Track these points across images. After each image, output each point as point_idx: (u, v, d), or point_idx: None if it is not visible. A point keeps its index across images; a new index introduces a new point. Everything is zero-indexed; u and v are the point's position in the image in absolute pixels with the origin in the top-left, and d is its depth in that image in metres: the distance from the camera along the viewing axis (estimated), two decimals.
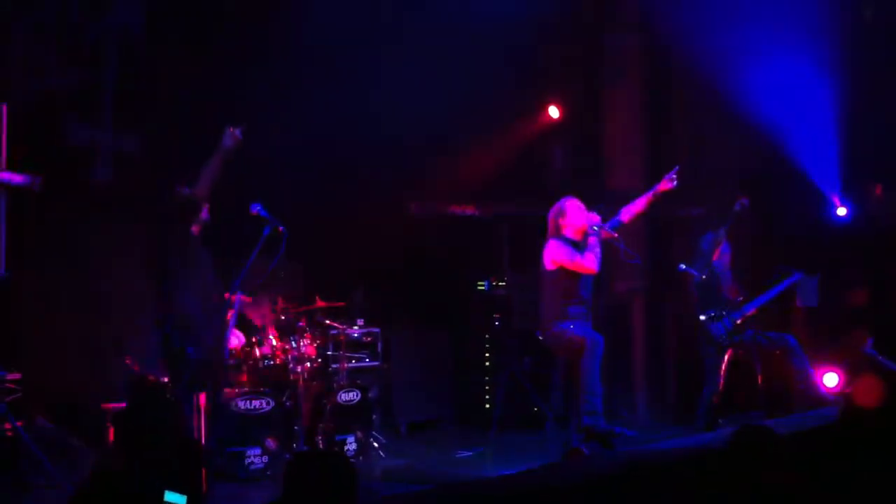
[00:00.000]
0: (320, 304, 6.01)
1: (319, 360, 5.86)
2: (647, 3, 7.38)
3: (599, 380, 5.12)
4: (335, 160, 6.68)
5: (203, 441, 4.70)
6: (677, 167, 5.59)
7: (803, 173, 7.32)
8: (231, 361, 5.45)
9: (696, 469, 3.27)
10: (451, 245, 7.51)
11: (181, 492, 3.35)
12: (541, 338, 5.47)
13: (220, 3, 6.27)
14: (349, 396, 5.82)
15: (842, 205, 7.39)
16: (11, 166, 4.88)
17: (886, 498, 2.85)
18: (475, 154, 7.41)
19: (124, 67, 5.92)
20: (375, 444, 5.91)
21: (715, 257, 6.17)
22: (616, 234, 5.49)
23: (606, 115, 7.79)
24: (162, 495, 3.25)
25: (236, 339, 5.71)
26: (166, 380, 4.89)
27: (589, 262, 5.27)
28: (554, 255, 5.34)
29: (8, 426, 4.67)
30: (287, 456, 5.13)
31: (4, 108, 4.82)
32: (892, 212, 7.35)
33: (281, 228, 5.10)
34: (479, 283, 7.43)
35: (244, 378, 5.55)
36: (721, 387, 5.93)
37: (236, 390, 5.36)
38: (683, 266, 6.14)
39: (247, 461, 5.14)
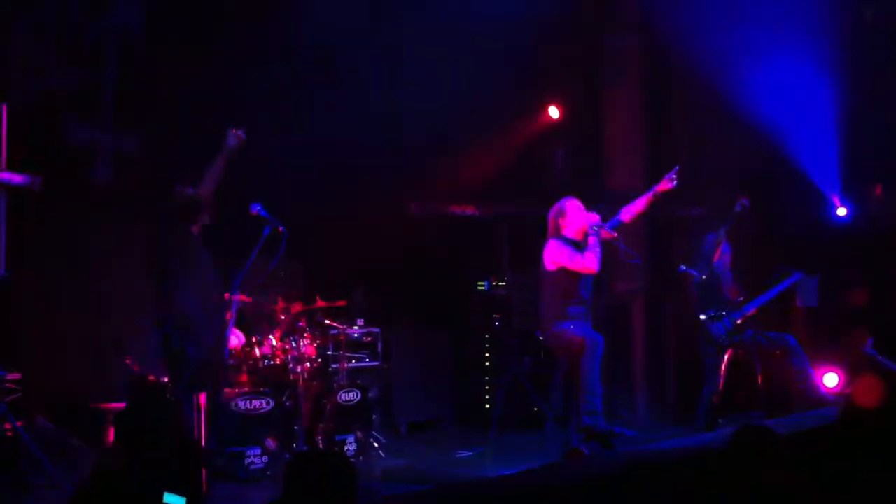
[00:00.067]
0: (320, 303, 6.01)
1: (319, 360, 5.86)
2: (647, 3, 7.37)
3: (599, 380, 5.11)
4: (335, 160, 6.67)
5: (203, 441, 4.70)
6: (677, 167, 5.59)
7: (803, 173, 7.32)
8: (231, 361, 5.45)
9: (696, 469, 3.27)
10: (451, 245, 7.50)
11: (181, 492, 3.35)
12: (541, 338, 5.47)
13: (220, 3, 6.27)
14: (349, 396, 5.82)
15: (842, 205, 7.39)
16: (11, 166, 4.88)
17: (886, 498, 2.85)
18: (475, 154, 7.41)
19: (124, 67, 5.92)
20: (375, 444, 5.91)
21: (715, 258, 6.17)
22: (616, 234, 5.49)
23: (606, 115, 7.78)
24: (162, 495, 3.25)
25: (236, 339, 5.71)
26: (166, 380, 4.90)
27: (589, 262, 5.26)
28: (554, 256, 5.34)
29: (8, 426, 4.66)
30: (287, 456, 5.13)
31: (4, 108, 4.82)
32: (892, 212, 7.35)
33: (281, 228, 5.11)
34: (480, 283, 7.43)
35: (244, 378, 5.55)
36: (721, 387, 5.93)
37: (236, 390, 5.36)
38: (684, 267, 6.14)
39: (247, 461, 5.13)
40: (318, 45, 6.34)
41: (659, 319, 7.66)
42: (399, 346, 7.08)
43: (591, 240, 5.32)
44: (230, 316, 5.64)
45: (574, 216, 5.42)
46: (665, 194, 5.63)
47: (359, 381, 6.05)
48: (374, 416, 6.09)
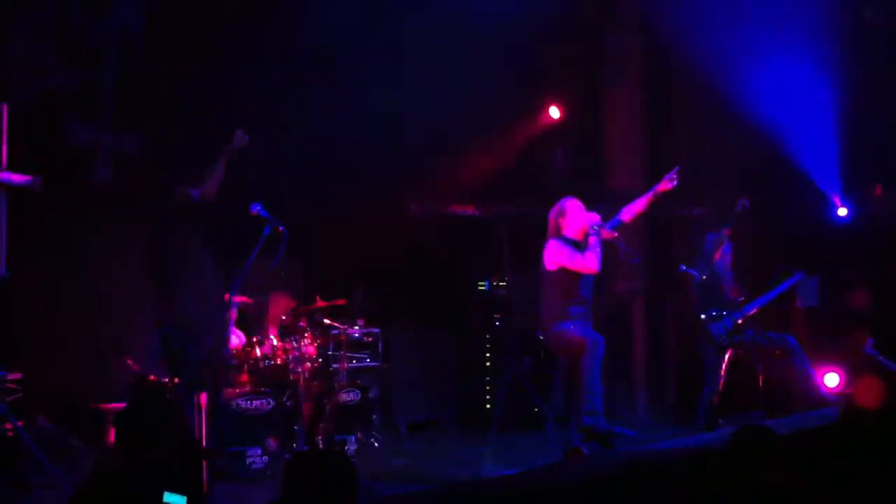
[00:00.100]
0: (321, 303, 6.01)
1: (320, 360, 5.86)
2: (647, 3, 7.37)
3: (600, 380, 5.11)
4: (335, 160, 6.68)
5: (204, 441, 4.70)
6: (677, 167, 5.59)
7: (804, 173, 7.32)
8: (232, 361, 5.46)
9: (696, 469, 3.27)
10: (452, 245, 7.50)
11: (182, 491, 3.35)
12: (541, 338, 5.47)
13: (220, 3, 6.27)
14: (349, 396, 5.82)
15: (842, 205, 7.39)
16: (12, 166, 4.88)
17: (887, 498, 2.85)
18: (475, 154, 7.41)
19: (124, 67, 5.91)
20: (376, 444, 5.91)
21: (717, 257, 6.17)
22: (616, 234, 5.49)
23: (606, 115, 7.78)
24: (162, 495, 3.25)
25: (237, 339, 5.72)
26: (167, 380, 4.90)
27: (590, 262, 5.26)
28: (554, 256, 5.34)
29: (9, 426, 4.66)
30: (287, 455, 5.13)
31: (5, 108, 4.82)
32: (893, 212, 7.35)
33: (281, 228, 5.11)
34: (480, 283, 7.43)
35: (245, 378, 5.55)
36: (721, 387, 5.93)
37: (237, 390, 5.35)
38: (684, 266, 6.14)
39: (247, 461, 5.13)
40: (318, 45, 6.34)
41: (659, 319, 7.66)
42: (399, 346, 7.07)
43: (592, 240, 5.31)
44: (231, 316, 5.65)
45: (574, 216, 5.42)
46: (665, 194, 5.63)
47: (359, 381, 6.05)
48: (374, 416, 6.09)
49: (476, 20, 6.48)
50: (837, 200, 7.41)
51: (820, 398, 5.85)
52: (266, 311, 5.99)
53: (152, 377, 5.00)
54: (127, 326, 5.57)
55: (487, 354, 7.37)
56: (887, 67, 7.01)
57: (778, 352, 6.02)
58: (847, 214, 7.38)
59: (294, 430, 5.51)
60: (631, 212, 5.62)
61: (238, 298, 5.70)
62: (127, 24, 5.88)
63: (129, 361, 5.21)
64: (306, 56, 6.38)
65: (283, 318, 5.89)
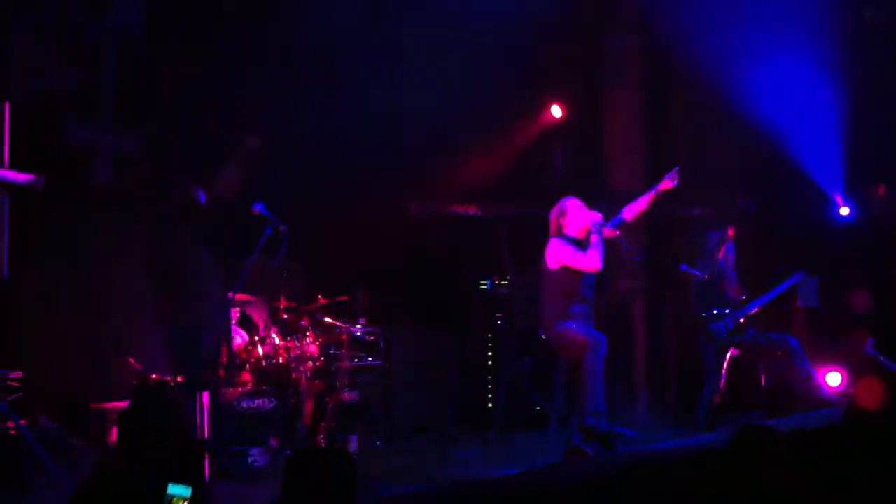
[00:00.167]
0: (323, 302, 6.02)
1: (322, 359, 5.86)
2: (647, 3, 7.37)
3: (602, 380, 5.11)
4: (335, 160, 6.68)
5: (206, 440, 4.71)
6: (678, 167, 5.59)
7: (805, 173, 7.32)
8: (234, 360, 5.46)
9: (697, 469, 3.27)
10: (452, 245, 7.50)
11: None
12: (543, 337, 5.47)
13: (220, 3, 6.27)
14: (351, 396, 5.82)
15: (844, 205, 7.39)
16: (12, 166, 4.88)
17: (887, 498, 2.85)
18: (475, 154, 7.40)
19: (124, 67, 5.91)
20: (377, 444, 5.91)
21: (719, 257, 6.18)
22: (618, 232, 5.50)
23: (606, 115, 7.78)
24: (162, 495, 3.26)
25: (239, 338, 5.72)
26: (169, 379, 4.90)
27: (592, 260, 5.26)
28: (556, 254, 5.34)
29: (10, 424, 4.67)
30: (289, 454, 5.12)
31: (7, 107, 4.82)
32: (895, 211, 7.35)
33: (282, 228, 5.12)
34: (482, 282, 7.43)
35: (246, 377, 5.56)
36: (722, 386, 5.93)
37: (239, 389, 5.36)
38: (685, 266, 6.14)
39: (249, 460, 5.13)
40: (318, 45, 6.34)
41: (660, 319, 7.66)
42: (400, 346, 7.07)
43: (594, 238, 5.31)
44: (233, 315, 5.66)
45: (575, 215, 5.42)
46: (666, 193, 5.63)
47: (360, 381, 6.05)
48: (375, 416, 6.08)
49: (476, 20, 6.47)
50: (839, 200, 7.41)
51: (821, 398, 5.85)
52: (264, 310, 5.99)
53: (154, 376, 5.00)
54: (127, 326, 5.57)
55: (489, 354, 7.37)
56: (888, 67, 7.01)
57: (780, 352, 6.02)
58: (849, 214, 7.37)
59: (296, 429, 5.51)
60: (633, 210, 5.62)
61: (240, 297, 5.71)
62: (127, 24, 5.88)
63: (131, 361, 5.22)
64: (306, 56, 6.38)
65: (285, 317, 5.89)
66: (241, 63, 6.22)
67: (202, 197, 5.00)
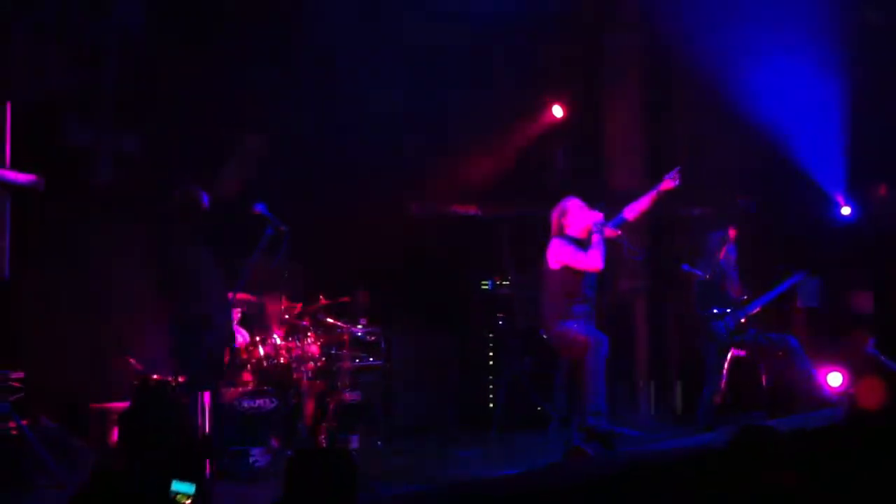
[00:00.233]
0: (324, 302, 6.02)
1: (323, 359, 5.86)
2: (647, 2, 7.36)
3: (604, 380, 5.11)
4: (335, 160, 6.68)
5: (207, 440, 4.71)
6: (679, 167, 5.59)
7: (807, 173, 7.32)
8: (235, 360, 5.46)
9: (697, 469, 3.26)
10: (453, 245, 7.50)
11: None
12: (545, 336, 5.47)
13: (220, 3, 6.27)
14: (352, 396, 5.82)
15: (846, 204, 7.39)
16: (12, 166, 4.89)
17: (887, 499, 2.85)
18: (476, 154, 7.41)
19: (124, 68, 5.92)
20: (378, 444, 5.91)
21: (720, 256, 6.18)
22: (620, 232, 5.50)
23: (606, 115, 7.77)
24: (163, 495, 3.26)
25: (241, 338, 5.72)
26: (170, 379, 4.90)
27: (593, 260, 5.26)
28: (558, 254, 5.33)
29: (12, 424, 4.67)
30: (290, 454, 5.13)
31: (8, 106, 4.83)
32: None
33: (283, 228, 5.12)
34: (483, 282, 7.43)
35: (248, 377, 5.56)
36: (723, 386, 5.92)
37: (240, 389, 5.36)
38: (687, 266, 6.14)
39: (250, 460, 5.13)
40: (318, 45, 6.34)
41: (661, 319, 7.66)
42: (401, 346, 7.08)
43: (595, 238, 5.31)
44: (234, 315, 5.66)
45: (576, 215, 5.42)
46: (668, 193, 5.63)
47: (361, 381, 6.05)
48: (375, 416, 6.08)
49: (476, 20, 6.47)
50: (840, 200, 7.40)
51: (822, 398, 5.85)
52: (265, 310, 5.99)
53: (155, 377, 5.00)
54: (128, 326, 5.58)
55: (489, 354, 7.37)
56: (889, 67, 7.00)
57: (780, 352, 6.01)
58: (850, 214, 7.37)
59: (297, 429, 5.51)
60: (634, 210, 5.61)
61: (241, 297, 5.71)
62: (127, 24, 5.89)
63: (132, 361, 5.22)
64: (306, 56, 6.38)
65: (286, 317, 5.89)
66: (241, 63, 6.22)
67: (205, 199, 5.00)
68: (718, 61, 6.75)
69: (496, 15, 6.45)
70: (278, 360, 5.62)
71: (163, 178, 5.77)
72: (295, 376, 5.62)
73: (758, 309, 6.10)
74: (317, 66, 6.46)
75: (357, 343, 6.33)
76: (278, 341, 5.68)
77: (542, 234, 5.51)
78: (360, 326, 6.47)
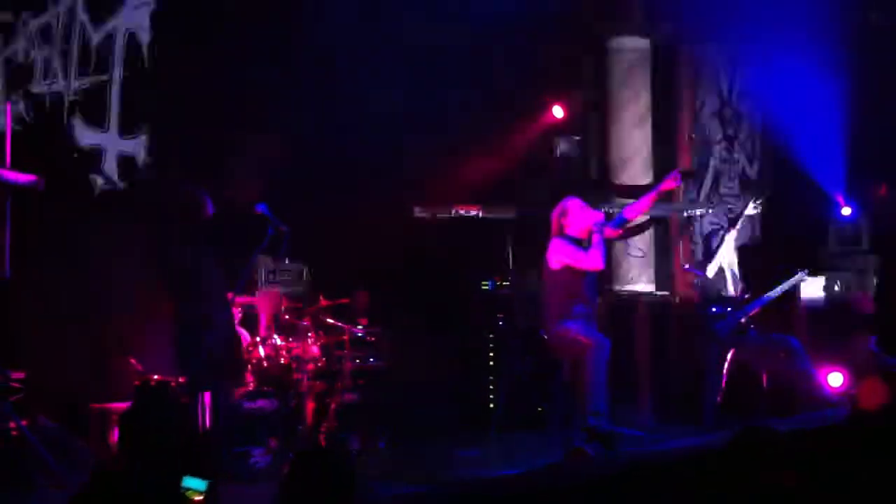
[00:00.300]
0: (324, 303, 6.02)
1: (323, 359, 5.86)
2: (648, 2, 7.36)
3: (605, 380, 5.10)
4: (335, 160, 6.68)
5: (208, 441, 4.71)
6: (680, 167, 5.59)
7: (808, 173, 7.33)
8: (243, 359, 5.47)
9: (697, 469, 3.26)
10: (453, 245, 7.50)
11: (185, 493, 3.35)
12: (545, 337, 5.47)
13: (222, 4, 6.28)
14: (352, 396, 5.82)
15: (846, 204, 7.40)
16: (14, 167, 4.89)
17: (887, 499, 2.84)
18: (476, 154, 7.40)
19: (127, 68, 5.92)
20: (379, 444, 5.91)
21: (722, 256, 6.18)
22: (621, 231, 5.50)
23: (607, 115, 7.77)
24: (163, 495, 3.26)
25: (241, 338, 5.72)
26: (171, 379, 4.91)
27: (594, 259, 5.26)
28: (558, 254, 5.34)
29: (13, 425, 4.68)
30: (290, 455, 5.13)
31: (8, 106, 4.83)
32: None
33: (284, 228, 5.13)
34: (484, 282, 7.43)
35: (248, 378, 5.56)
36: (724, 386, 5.93)
37: (240, 390, 5.36)
38: (688, 266, 6.15)
39: (251, 461, 5.13)
40: (318, 45, 6.34)
41: (663, 319, 7.65)
42: (401, 347, 7.07)
43: (596, 238, 5.31)
44: (235, 315, 5.66)
45: (577, 215, 5.42)
46: (669, 193, 5.63)
47: (362, 381, 6.05)
48: (375, 416, 6.08)
49: (476, 20, 6.47)
50: (841, 200, 7.41)
51: (823, 399, 5.85)
52: (268, 310, 5.99)
53: (156, 377, 5.01)
54: (128, 326, 5.58)
55: (490, 354, 7.36)
56: (890, 68, 7.01)
57: (781, 353, 6.02)
58: (851, 214, 7.38)
59: (297, 429, 5.51)
60: (635, 210, 5.61)
61: (241, 298, 5.72)
62: (130, 25, 5.89)
63: (132, 361, 5.22)
64: (306, 56, 6.38)
65: (285, 316, 5.89)
66: (241, 63, 6.22)
67: (210, 206, 5.01)
68: (720, 61, 6.75)
69: (496, 15, 6.45)
70: (278, 361, 5.62)
71: (163, 178, 5.78)
72: (295, 377, 5.62)
73: (758, 309, 6.10)
74: (317, 66, 6.46)
75: (357, 343, 6.33)
76: (278, 342, 5.68)
77: (543, 235, 5.51)
78: (360, 327, 6.47)
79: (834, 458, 3.06)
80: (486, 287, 7.41)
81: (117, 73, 5.88)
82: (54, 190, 5.06)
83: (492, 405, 7.14)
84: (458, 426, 6.94)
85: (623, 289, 7.48)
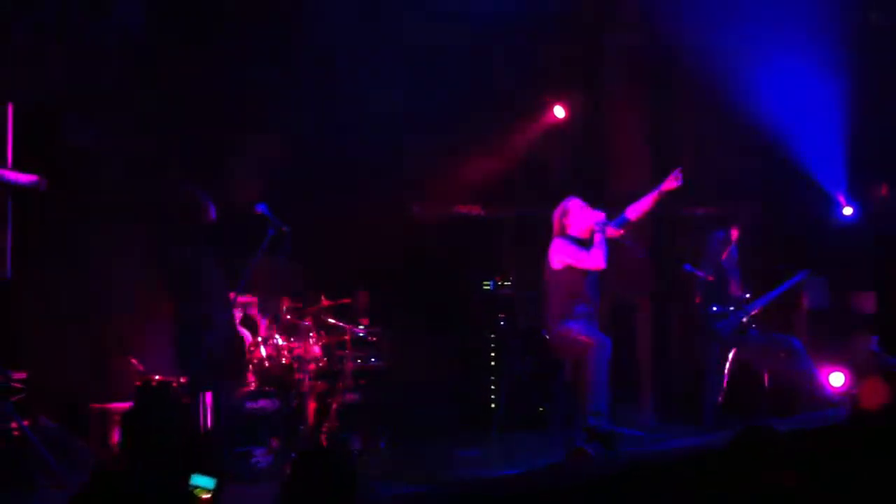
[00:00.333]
0: (326, 303, 6.02)
1: (325, 359, 5.86)
2: (647, 2, 7.35)
3: (606, 380, 5.10)
4: (335, 160, 6.68)
5: (210, 441, 4.71)
6: (680, 167, 5.58)
7: (808, 173, 7.31)
8: (245, 359, 5.47)
9: (698, 469, 3.26)
10: (454, 245, 7.50)
11: (185, 493, 3.36)
12: (547, 336, 5.47)
13: (220, 3, 6.27)
14: (353, 396, 5.82)
15: (848, 204, 7.39)
16: (14, 167, 4.89)
17: (887, 499, 2.84)
18: (476, 154, 7.40)
19: (124, 67, 5.92)
20: (380, 444, 5.91)
21: (723, 256, 6.17)
22: (622, 231, 5.49)
23: (607, 115, 7.77)
24: (164, 496, 3.26)
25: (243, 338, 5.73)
26: (172, 380, 4.91)
27: (595, 259, 5.26)
28: (560, 254, 5.33)
29: (14, 425, 4.68)
30: (293, 455, 5.13)
31: (10, 107, 4.83)
32: None
33: (285, 228, 5.13)
34: (485, 282, 7.42)
35: (250, 377, 5.56)
36: (725, 386, 5.92)
37: (242, 390, 5.36)
38: (689, 266, 6.15)
39: (252, 461, 5.13)
40: (318, 45, 6.34)
41: (664, 319, 7.64)
42: (402, 346, 7.07)
43: (597, 237, 5.31)
44: (236, 315, 5.67)
45: (578, 214, 5.42)
46: (670, 193, 5.62)
47: (363, 381, 6.05)
48: (376, 416, 6.08)
49: (476, 20, 6.47)
50: (842, 200, 7.40)
51: (825, 399, 5.85)
52: (269, 310, 6.00)
53: (158, 377, 5.01)
54: (128, 326, 5.58)
55: (491, 354, 7.36)
56: (891, 68, 7.00)
57: (782, 352, 6.01)
58: (852, 214, 7.36)
59: (299, 429, 5.51)
60: (637, 210, 5.61)
61: (242, 298, 5.72)
62: (127, 24, 5.88)
63: (133, 361, 5.23)
64: (306, 56, 6.38)
65: (288, 317, 5.89)
66: (241, 63, 6.22)
67: (213, 212, 5.01)
68: (720, 61, 6.74)
69: (496, 15, 6.45)
70: (280, 361, 5.62)
71: (164, 178, 5.77)
72: (297, 377, 5.62)
73: (759, 309, 6.09)
74: (317, 66, 6.46)
75: (359, 343, 6.33)
76: (280, 342, 5.68)
77: (544, 235, 5.50)
78: (361, 327, 6.47)
79: (835, 458, 3.06)
80: (488, 287, 7.42)
81: (113, 70, 5.87)
82: (53, 189, 5.05)
83: (493, 405, 7.14)
84: (459, 426, 6.94)
85: None
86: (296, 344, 5.69)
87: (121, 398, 5.17)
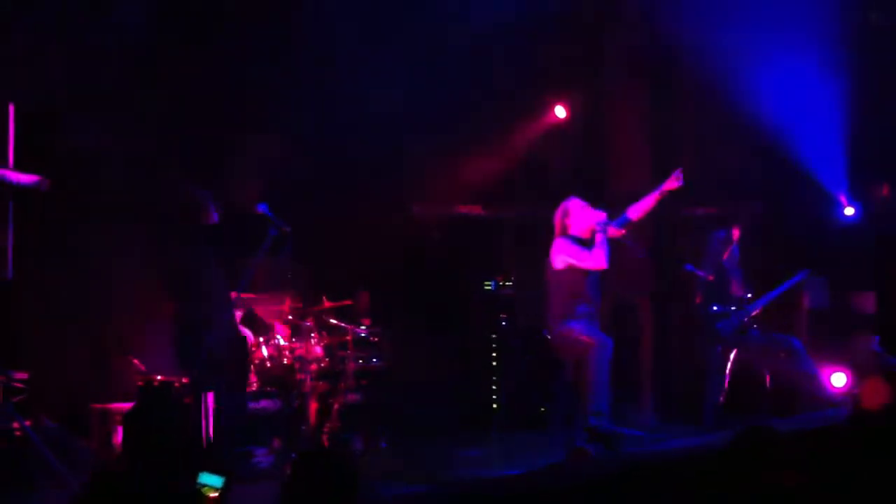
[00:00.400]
0: (327, 304, 6.02)
1: (326, 359, 5.87)
2: (647, 2, 7.35)
3: (607, 380, 5.10)
4: (336, 160, 6.68)
5: (211, 441, 4.71)
6: (681, 167, 5.58)
7: (810, 173, 7.31)
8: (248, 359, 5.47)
9: (698, 469, 3.26)
10: (455, 245, 7.50)
11: (185, 493, 3.35)
12: (548, 336, 5.47)
13: (220, 2, 6.28)
14: (355, 396, 5.82)
15: (849, 204, 7.38)
16: (15, 167, 4.89)
17: (887, 499, 2.84)
18: (476, 154, 7.40)
19: (124, 67, 5.92)
20: (381, 444, 5.91)
21: (724, 256, 6.17)
22: (623, 231, 5.49)
23: (607, 115, 7.76)
24: (164, 496, 3.26)
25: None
26: (174, 380, 4.91)
27: (597, 259, 5.26)
28: (562, 253, 5.34)
29: (16, 425, 4.68)
30: (294, 455, 5.14)
31: (12, 108, 4.83)
32: None
33: (286, 229, 5.13)
34: (486, 282, 7.43)
35: (251, 378, 5.56)
36: (726, 386, 5.92)
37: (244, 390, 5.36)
38: (690, 266, 6.15)
39: (254, 461, 5.13)
40: (318, 45, 6.34)
41: (665, 319, 7.64)
42: (403, 346, 7.07)
43: (599, 237, 5.32)
44: (238, 315, 5.67)
45: (579, 215, 5.43)
46: (671, 193, 5.62)
47: (364, 381, 6.05)
48: (378, 416, 6.09)
49: (476, 20, 6.47)
50: (844, 200, 7.39)
51: (826, 399, 5.84)
52: (271, 310, 6.00)
53: (159, 377, 5.01)
54: (129, 326, 5.58)
55: (492, 354, 7.37)
56: (892, 68, 6.99)
57: (783, 353, 6.01)
58: (854, 214, 7.36)
59: (300, 429, 5.51)
60: (638, 210, 5.61)
61: (245, 297, 5.71)
62: (127, 24, 5.88)
63: (134, 362, 5.23)
64: (306, 56, 6.38)
65: (290, 317, 5.90)
66: (241, 63, 6.22)
67: (215, 215, 5.02)
68: (720, 61, 6.74)
69: (496, 15, 6.45)
70: (282, 361, 5.62)
71: (164, 178, 5.78)
72: (298, 377, 5.62)
73: (760, 308, 6.09)
74: (317, 66, 6.46)
75: (360, 344, 6.34)
76: (282, 342, 5.68)
77: (545, 235, 5.50)
78: (363, 327, 6.47)
79: (836, 459, 3.05)
80: (489, 287, 7.42)
81: (113, 70, 5.88)
82: (54, 189, 5.05)
83: (494, 405, 7.14)
84: (460, 426, 6.95)
85: None
86: (297, 344, 5.69)
87: (122, 398, 5.18)
